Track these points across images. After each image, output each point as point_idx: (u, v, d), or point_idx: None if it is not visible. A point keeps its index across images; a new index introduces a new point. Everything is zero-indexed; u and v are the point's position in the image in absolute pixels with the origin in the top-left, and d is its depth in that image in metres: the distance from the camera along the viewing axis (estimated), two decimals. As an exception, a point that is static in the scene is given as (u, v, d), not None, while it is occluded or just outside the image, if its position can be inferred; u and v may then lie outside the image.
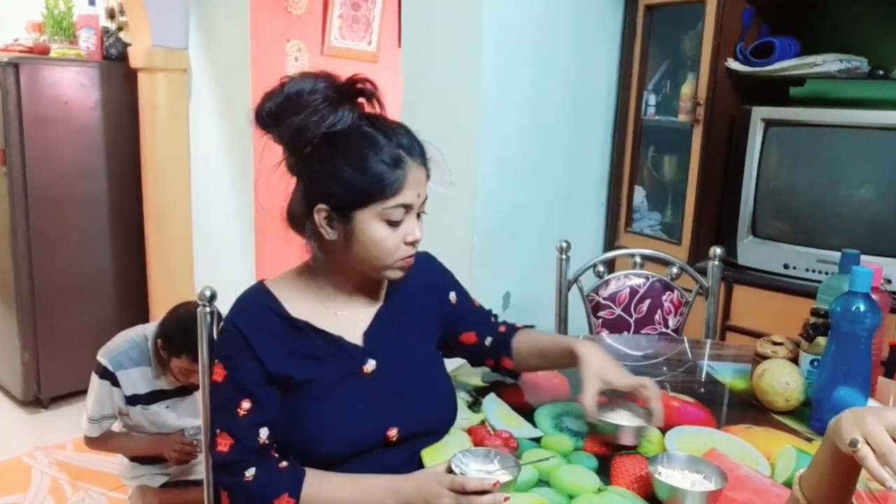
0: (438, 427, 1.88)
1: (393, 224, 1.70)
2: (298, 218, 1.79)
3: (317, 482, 1.66)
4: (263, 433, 1.70)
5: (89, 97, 4.71)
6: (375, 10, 5.51)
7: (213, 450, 1.72)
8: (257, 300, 1.80)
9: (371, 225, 1.69)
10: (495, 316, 2.15)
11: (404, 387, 1.76)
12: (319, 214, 1.72)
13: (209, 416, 1.83)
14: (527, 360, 2.08)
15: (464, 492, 1.51)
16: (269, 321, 1.76)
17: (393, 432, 1.76)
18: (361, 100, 1.74)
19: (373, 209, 1.68)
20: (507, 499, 1.56)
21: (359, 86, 1.73)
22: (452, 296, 1.98)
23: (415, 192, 1.71)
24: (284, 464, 1.70)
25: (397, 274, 1.77)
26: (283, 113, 1.70)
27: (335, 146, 1.69)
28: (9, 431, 4.51)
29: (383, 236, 1.70)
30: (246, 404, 1.69)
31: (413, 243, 1.74)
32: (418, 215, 1.77)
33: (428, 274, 1.95)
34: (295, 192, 1.80)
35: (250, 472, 1.66)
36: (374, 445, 1.76)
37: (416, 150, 1.73)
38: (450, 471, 1.58)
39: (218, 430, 1.71)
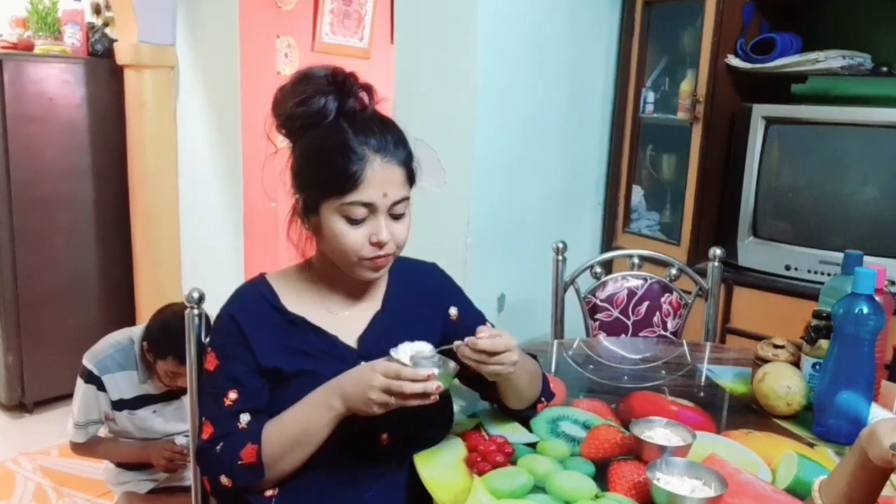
0: (432, 434, 1.88)
1: (353, 222, 1.72)
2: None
3: (272, 423, 1.72)
4: (244, 418, 1.74)
5: (74, 94, 4.71)
6: (368, 5, 5.52)
7: (198, 436, 1.78)
8: (255, 292, 1.85)
9: (332, 219, 1.73)
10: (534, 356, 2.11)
11: None
12: (298, 205, 1.79)
13: (199, 403, 1.89)
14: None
15: (396, 377, 1.60)
16: (265, 313, 1.81)
17: (384, 436, 1.78)
18: (355, 95, 1.78)
19: (332, 204, 1.72)
20: (438, 387, 1.62)
21: (339, 78, 1.77)
22: (453, 311, 1.96)
23: (379, 191, 1.71)
24: (244, 424, 1.74)
25: (367, 274, 1.79)
26: (287, 97, 1.78)
27: (309, 139, 1.76)
28: (-8, 437, 4.50)
29: (343, 232, 1.72)
30: (233, 395, 1.74)
31: (379, 244, 1.74)
32: (397, 217, 1.77)
33: (431, 284, 1.95)
34: None
35: (219, 446, 1.72)
36: (365, 448, 1.77)
37: (390, 149, 1.73)
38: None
39: (203, 418, 1.78)
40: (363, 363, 1.70)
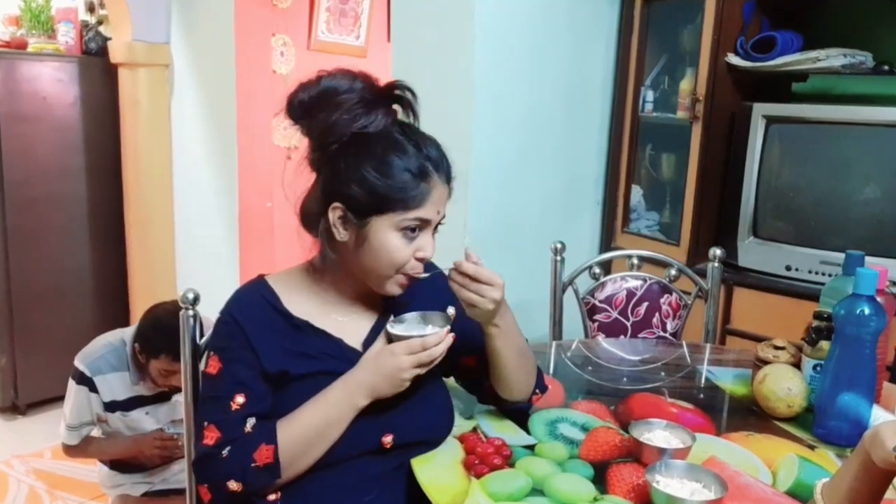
0: (434, 437, 1.88)
1: (408, 237, 1.73)
2: (312, 215, 1.83)
3: (287, 422, 1.71)
4: (250, 423, 1.72)
5: (68, 93, 4.70)
6: (364, 2, 5.52)
7: (198, 443, 1.73)
8: (257, 294, 1.84)
9: (386, 233, 1.71)
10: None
11: (402, 397, 1.75)
12: (334, 213, 1.74)
13: (197, 407, 1.89)
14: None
15: (423, 349, 1.69)
16: (268, 316, 1.80)
17: (388, 439, 1.77)
18: (396, 107, 1.78)
19: (390, 218, 1.70)
20: (454, 337, 1.74)
21: (397, 92, 1.77)
22: (451, 310, 1.93)
23: (435, 208, 1.73)
24: (250, 429, 1.72)
25: (395, 290, 1.79)
26: (315, 107, 1.73)
27: (363, 147, 1.71)
28: (-16, 439, 4.49)
29: (396, 247, 1.72)
30: (240, 398, 1.72)
31: (422, 259, 1.76)
32: (434, 232, 1.79)
33: (429, 286, 1.94)
34: (312, 189, 1.83)
35: (226, 451, 1.69)
36: (368, 451, 1.77)
37: (444, 166, 1.76)
38: (390, 340, 1.74)
39: (206, 423, 1.73)
40: (368, 353, 1.74)
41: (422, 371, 1.71)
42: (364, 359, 1.74)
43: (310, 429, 1.70)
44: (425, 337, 1.69)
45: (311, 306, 1.84)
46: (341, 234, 1.75)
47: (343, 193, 1.72)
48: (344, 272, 1.83)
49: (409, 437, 1.80)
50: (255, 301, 1.82)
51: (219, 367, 1.76)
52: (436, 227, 1.79)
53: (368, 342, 1.82)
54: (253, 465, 1.66)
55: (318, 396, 1.72)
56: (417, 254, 1.74)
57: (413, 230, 1.72)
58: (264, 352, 1.74)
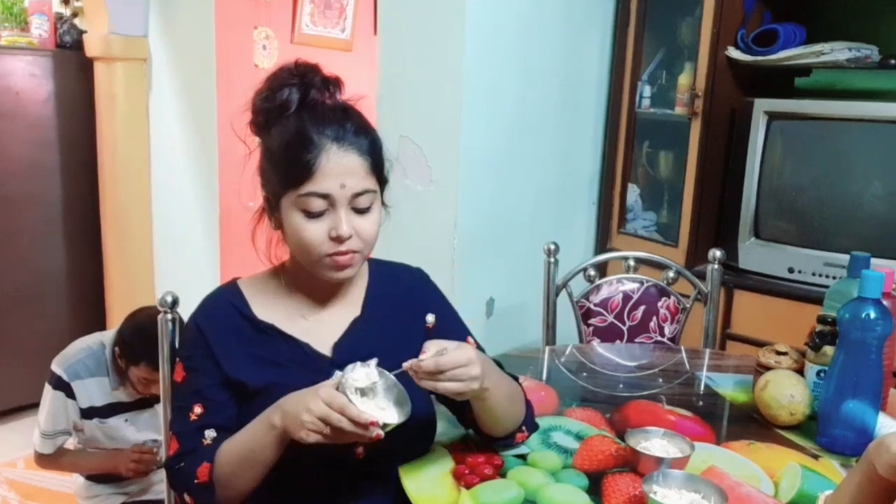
0: (411, 448, 1.86)
1: (311, 215, 1.70)
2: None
3: (227, 440, 1.72)
4: (209, 434, 1.74)
5: (42, 88, 4.69)
6: (350, -6, 5.51)
7: (167, 451, 1.80)
8: (224, 299, 1.85)
9: (291, 214, 1.72)
10: (500, 364, 1.93)
11: None
12: (266, 203, 1.80)
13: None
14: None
15: (340, 412, 1.52)
16: (232, 322, 1.81)
17: (360, 450, 1.76)
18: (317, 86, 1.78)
19: (289, 197, 1.71)
20: (378, 435, 1.55)
21: (301, 70, 1.77)
22: (430, 318, 1.90)
23: (336, 181, 1.68)
24: (209, 441, 1.75)
25: (330, 274, 1.76)
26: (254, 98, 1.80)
27: (270, 132, 1.75)
28: (-45, 449, 4.47)
29: (301, 227, 1.71)
30: (198, 409, 1.75)
31: (338, 239, 1.70)
32: (361, 211, 1.74)
33: (412, 290, 1.93)
34: None
35: (182, 463, 1.74)
36: (339, 461, 1.76)
37: (348, 138, 1.71)
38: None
39: (171, 433, 1.79)
40: (315, 387, 1.60)
41: (325, 431, 1.54)
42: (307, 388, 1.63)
43: (238, 449, 1.69)
44: (351, 403, 1.53)
45: (279, 310, 1.84)
46: (272, 223, 1.80)
47: (261, 182, 1.79)
48: (302, 267, 1.81)
49: (383, 448, 1.76)
50: (221, 306, 1.83)
51: (183, 375, 1.80)
52: (361, 206, 1.73)
53: (340, 346, 1.82)
54: (196, 481, 1.70)
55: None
56: (332, 233, 1.70)
57: (317, 208, 1.69)
58: (225, 358, 1.76)
